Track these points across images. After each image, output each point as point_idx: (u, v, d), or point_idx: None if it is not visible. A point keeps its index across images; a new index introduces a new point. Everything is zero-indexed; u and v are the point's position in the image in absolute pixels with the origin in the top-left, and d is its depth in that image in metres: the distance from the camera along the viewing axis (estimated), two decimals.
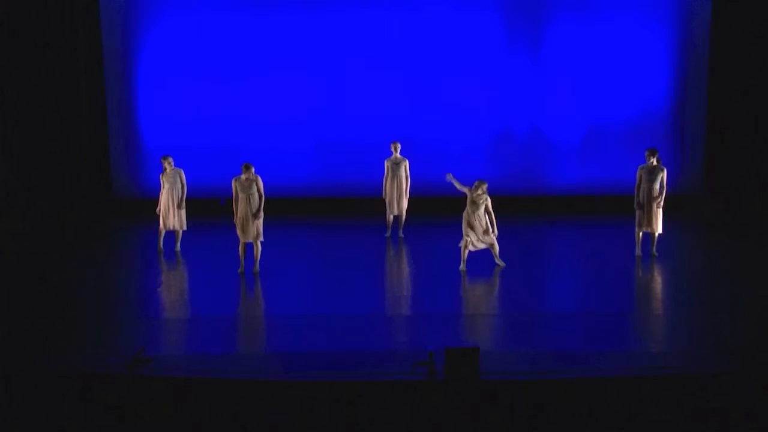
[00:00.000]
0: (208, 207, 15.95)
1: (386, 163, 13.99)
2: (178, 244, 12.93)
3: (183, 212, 12.83)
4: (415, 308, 10.19)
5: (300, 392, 7.60)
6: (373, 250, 13.37)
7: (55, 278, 11.53)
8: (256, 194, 11.56)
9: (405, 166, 13.83)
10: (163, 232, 12.91)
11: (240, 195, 11.52)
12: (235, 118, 16.12)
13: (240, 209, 11.53)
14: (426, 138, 16.15)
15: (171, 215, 12.76)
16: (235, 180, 11.63)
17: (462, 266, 11.43)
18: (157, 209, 12.89)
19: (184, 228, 12.85)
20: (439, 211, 15.22)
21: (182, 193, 12.77)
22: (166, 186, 12.79)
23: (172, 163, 12.88)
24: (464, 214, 11.52)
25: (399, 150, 13.93)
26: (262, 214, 11.55)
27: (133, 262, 12.96)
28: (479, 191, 11.53)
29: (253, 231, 11.47)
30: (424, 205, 15.28)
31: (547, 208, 16.00)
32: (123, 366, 7.82)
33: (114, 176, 16.09)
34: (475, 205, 11.52)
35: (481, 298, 10.83)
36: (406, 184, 13.82)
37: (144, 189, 15.89)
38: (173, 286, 11.44)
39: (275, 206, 15.94)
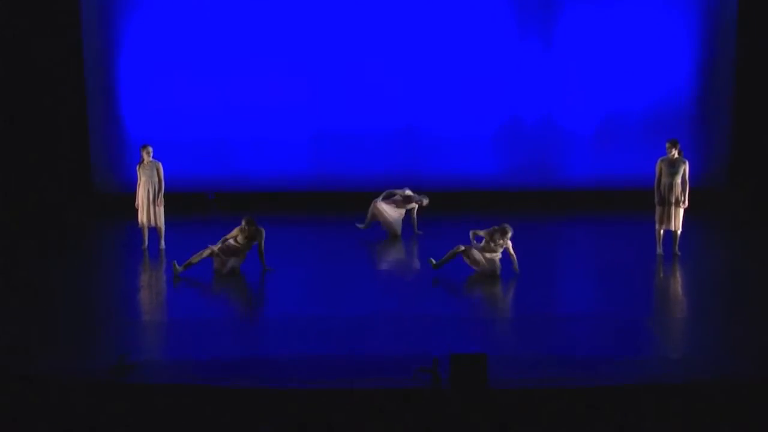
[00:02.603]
0: (197, 202, 15.94)
1: None
2: (162, 242, 12.91)
3: (161, 209, 12.78)
4: (417, 310, 10.17)
5: (292, 401, 7.58)
6: (373, 248, 13.32)
7: (31, 278, 11.51)
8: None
9: None
10: (146, 229, 12.88)
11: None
12: (225, 106, 16.09)
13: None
14: (430, 128, 16.13)
15: (147, 211, 12.74)
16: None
17: (433, 260, 11.30)
18: (136, 202, 12.87)
19: (162, 225, 12.81)
20: (445, 206, 15.21)
21: (159, 188, 12.72)
22: (143, 179, 12.77)
23: (151, 154, 12.82)
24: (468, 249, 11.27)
25: None
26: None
27: (114, 261, 12.94)
28: (501, 241, 11.18)
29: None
30: (429, 200, 15.28)
31: (559, 204, 15.97)
32: (104, 372, 7.80)
33: (94, 170, 16.07)
34: (491, 251, 11.25)
35: (488, 301, 10.79)
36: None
37: (127, 183, 15.83)
38: (157, 287, 11.42)
39: (268, 201, 16.00)
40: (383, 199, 13.76)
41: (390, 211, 13.68)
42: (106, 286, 11.55)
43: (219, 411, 7.64)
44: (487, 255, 11.27)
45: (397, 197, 13.79)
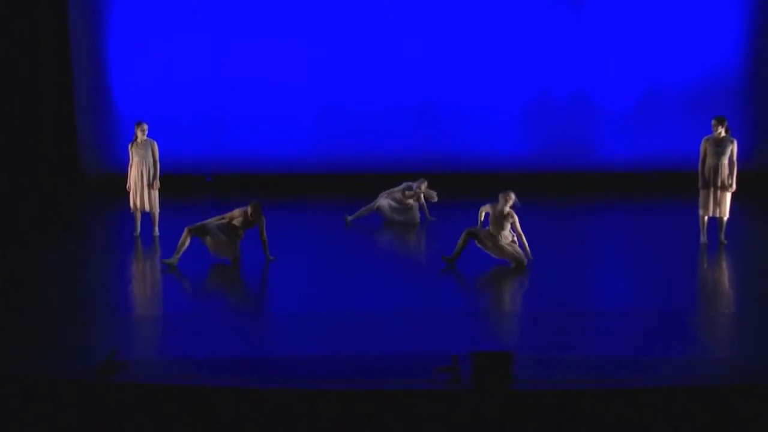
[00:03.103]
0: (193, 184, 16.00)
1: None
2: (156, 228, 12.95)
3: (155, 193, 12.81)
4: (435, 305, 10.18)
5: (299, 403, 7.61)
6: (386, 236, 13.32)
7: (13, 268, 11.57)
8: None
9: None
10: (138, 214, 12.92)
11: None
12: (224, 79, 16.12)
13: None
14: (450, 103, 16.12)
15: (140, 195, 12.76)
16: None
17: (446, 257, 11.29)
18: (127, 185, 12.89)
19: (157, 210, 12.84)
20: (465, 190, 15.20)
21: (154, 170, 12.73)
22: (136, 159, 12.79)
23: (146, 131, 12.84)
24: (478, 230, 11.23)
25: None
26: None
27: (104, 249, 13.01)
28: (506, 207, 11.16)
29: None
30: (448, 182, 15.27)
31: (592, 188, 15.95)
32: (91, 371, 7.85)
33: (82, 149, 16.14)
34: (500, 225, 11.21)
35: (512, 294, 10.80)
36: None
37: (117, 163, 15.92)
38: (150, 278, 11.46)
39: (271, 184, 16.03)
40: (386, 197, 13.72)
41: (393, 209, 13.63)
42: (94, 278, 11.60)
43: (218, 414, 7.68)
44: (500, 239, 11.22)
45: (397, 195, 13.75)
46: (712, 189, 12.15)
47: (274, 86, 16.13)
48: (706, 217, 12.32)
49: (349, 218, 13.66)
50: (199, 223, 11.46)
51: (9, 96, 15.15)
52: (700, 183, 12.26)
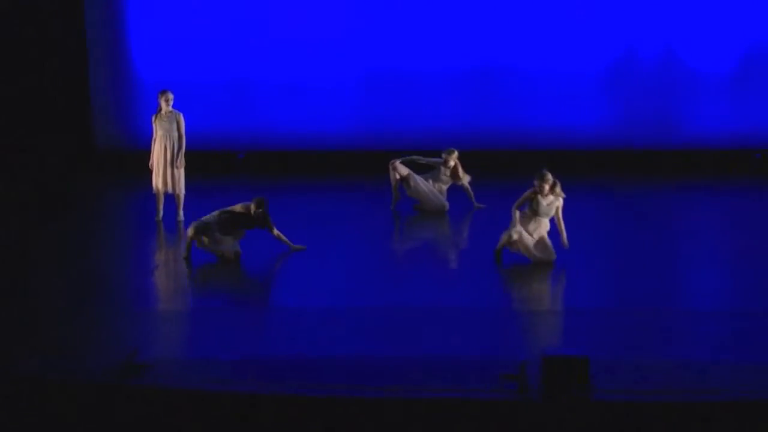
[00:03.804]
0: (223, 162, 16.07)
1: None
2: (181, 212, 13.02)
3: (180, 172, 12.85)
4: (496, 302, 10.12)
5: (338, 412, 7.64)
6: (432, 221, 13.31)
7: (22, 256, 11.73)
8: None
9: None
10: (161, 196, 12.97)
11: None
12: (257, 43, 16.15)
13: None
14: (514, 69, 15.99)
15: (163, 174, 12.80)
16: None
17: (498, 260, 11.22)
18: (150, 162, 12.96)
19: (182, 192, 12.91)
20: (530, 170, 15.12)
21: (179, 145, 12.78)
22: (159, 133, 12.82)
23: (171, 102, 12.84)
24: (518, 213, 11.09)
25: None
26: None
27: (122, 236, 13.14)
28: (552, 193, 10.94)
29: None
30: (501, 161, 15.23)
31: (682, 166, 15.78)
32: (109, 373, 7.93)
33: (97, 121, 16.28)
34: (539, 212, 11.03)
35: (582, 289, 10.74)
36: None
37: (136, 138, 16.05)
38: (175, 268, 11.55)
39: (307, 162, 16.07)
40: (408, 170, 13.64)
41: (423, 185, 13.55)
42: (111, 268, 11.71)
43: (248, 422, 7.74)
44: (536, 230, 11.10)
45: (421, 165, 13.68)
46: None
47: (313, 50, 16.12)
48: None
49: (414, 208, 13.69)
50: (203, 222, 11.38)
51: (16, 67, 15.28)
52: None
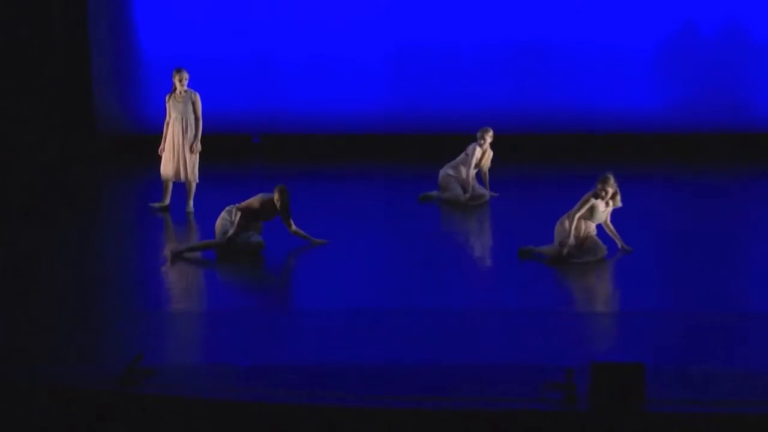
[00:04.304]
0: (235, 146, 16.10)
1: None
2: (191, 202, 13.07)
3: (195, 158, 12.89)
4: (539, 304, 10.13)
5: (365, 424, 7.64)
6: (463, 214, 13.32)
7: (17, 250, 11.78)
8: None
9: None
10: (170, 184, 12.99)
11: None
12: (273, 15, 16.16)
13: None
14: (561, 43, 15.96)
15: (175, 160, 12.82)
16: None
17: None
18: (160, 148, 12.99)
19: (196, 180, 12.94)
20: (577, 155, 15.10)
21: (196, 128, 12.82)
22: (173, 115, 12.86)
23: (186, 81, 12.87)
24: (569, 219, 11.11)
25: None
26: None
27: (126, 229, 13.18)
28: (609, 190, 10.97)
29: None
30: (543, 146, 15.16)
31: (749, 151, 15.76)
32: (111, 380, 7.96)
33: (98, 103, 16.35)
34: (593, 218, 11.05)
35: (637, 288, 10.70)
36: None
37: (141, 121, 16.13)
38: (184, 265, 11.60)
39: (329, 146, 16.07)
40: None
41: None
42: (116, 264, 11.77)
43: None
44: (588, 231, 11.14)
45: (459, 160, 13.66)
46: None
47: (337, 22, 16.14)
48: None
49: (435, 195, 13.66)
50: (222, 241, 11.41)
51: (9, 44, 15.30)
52: None
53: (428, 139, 16.07)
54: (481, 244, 12.82)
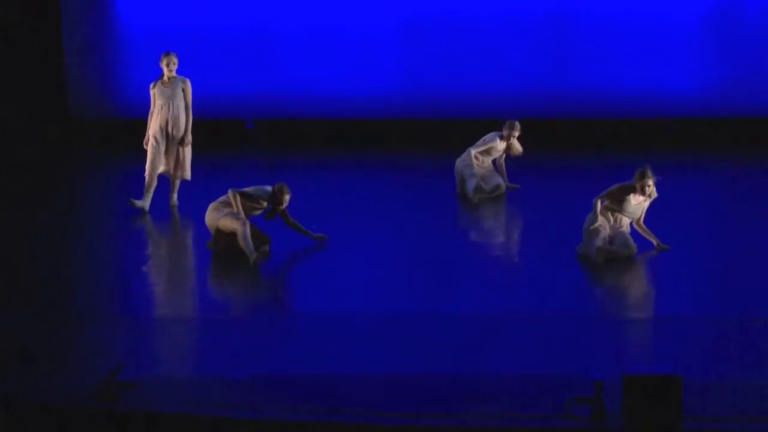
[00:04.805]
0: (227, 133, 16.12)
1: None
2: (174, 195, 13.08)
3: (187, 150, 12.85)
4: (564, 308, 10.14)
5: None
6: (487, 212, 13.35)
7: None
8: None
9: None
10: (155, 180, 12.83)
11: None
12: None
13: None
14: (590, 15, 15.90)
15: (167, 152, 12.79)
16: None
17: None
18: (145, 140, 12.91)
19: (188, 175, 12.91)
20: (608, 143, 15.11)
21: (186, 118, 12.78)
22: (159, 102, 12.77)
23: (175, 67, 12.79)
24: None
25: None
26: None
27: (104, 223, 13.18)
28: (648, 182, 11.02)
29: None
30: (572, 131, 15.14)
31: None
32: (89, 394, 7.97)
33: (72, 83, 16.35)
34: (624, 211, 11.16)
35: (672, 291, 10.70)
36: None
37: (120, 102, 16.13)
38: (167, 264, 11.60)
39: (332, 132, 16.05)
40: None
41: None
42: (91, 264, 11.77)
43: None
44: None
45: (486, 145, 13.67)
46: None
47: None
48: None
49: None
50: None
51: None
52: None
53: (442, 125, 16.08)
54: (497, 240, 12.83)
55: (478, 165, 13.49)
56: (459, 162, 13.60)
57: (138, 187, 13.14)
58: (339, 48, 16.16)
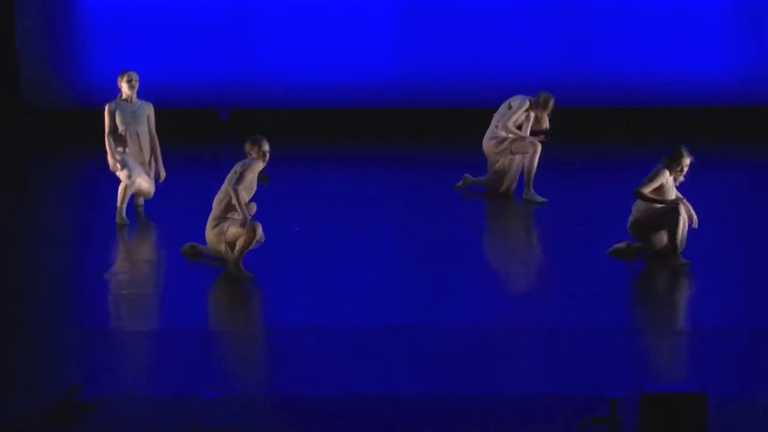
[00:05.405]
0: (198, 123, 16.13)
1: None
2: (141, 197, 13.10)
3: (154, 173, 12.85)
4: (578, 320, 10.22)
5: None
6: (495, 210, 13.44)
7: None
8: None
9: None
10: (127, 195, 12.79)
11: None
12: None
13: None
14: None
15: (145, 178, 12.73)
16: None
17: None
18: (111, 164, 12.60)
19: (150, 195, 12.91)
20: (629, 133, 15.17)
21: (151, 145, 12.70)
22: (121, 128, 12.55)
23: (136, 86, 12.65)
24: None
25: None
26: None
27: (61, 225, 13.21)
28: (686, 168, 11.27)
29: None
30: (592, 121, 15.22)
31: None
32: (45, 415, 8.02)
33: (25, 68, 16.37)
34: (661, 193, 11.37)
35: (699, 299, 10.82)
36: None
37: (77, 90, 16.15)
38: (133, 272, 11.68)
39: (321, 124, 16.09)
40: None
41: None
42: (47, 269, 11.78)
43: None
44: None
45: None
46: None
47: None
48: None
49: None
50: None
51: None
52: None
53: (443, 114, 16.11)
54: (510, 244, 12.93)
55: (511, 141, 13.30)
56: (489, 145, 13.44)
57: (97, 185, 13.14)
58: (326, 30, 16.18)
